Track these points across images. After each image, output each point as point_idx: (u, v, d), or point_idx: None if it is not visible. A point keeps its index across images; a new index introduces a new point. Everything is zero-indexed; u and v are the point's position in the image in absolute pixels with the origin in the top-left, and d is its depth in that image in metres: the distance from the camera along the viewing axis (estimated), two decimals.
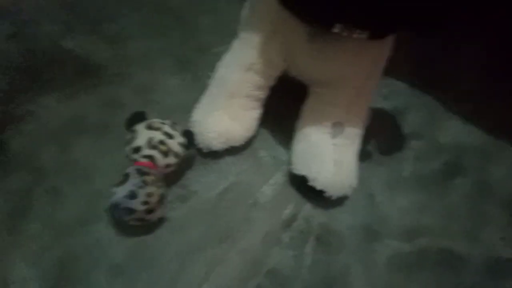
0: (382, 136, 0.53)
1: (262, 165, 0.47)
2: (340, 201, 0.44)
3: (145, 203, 0.37)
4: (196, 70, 0.54)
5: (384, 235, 0.43)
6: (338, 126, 0.43)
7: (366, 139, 0.51)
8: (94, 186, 0.43)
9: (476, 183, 0.49)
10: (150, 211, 0.37)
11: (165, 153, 0.39)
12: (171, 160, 0.39)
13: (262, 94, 0.45)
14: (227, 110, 0.44)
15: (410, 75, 0.61)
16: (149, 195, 0.37)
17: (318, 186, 0.41)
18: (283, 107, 0.49)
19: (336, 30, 0.36)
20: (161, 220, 0.41)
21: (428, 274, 0.42)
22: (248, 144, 0.48)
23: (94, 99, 0.50)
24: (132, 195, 0.36)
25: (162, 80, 0.53)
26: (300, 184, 0.44)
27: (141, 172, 0.38)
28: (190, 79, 0.53)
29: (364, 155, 0.50)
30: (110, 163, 0.44)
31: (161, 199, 0.38)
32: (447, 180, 0.49)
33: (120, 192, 0.37)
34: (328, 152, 0.42)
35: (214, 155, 0.46)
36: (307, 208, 0.44)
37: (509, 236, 0.45)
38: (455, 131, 0.55)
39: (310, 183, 0.42)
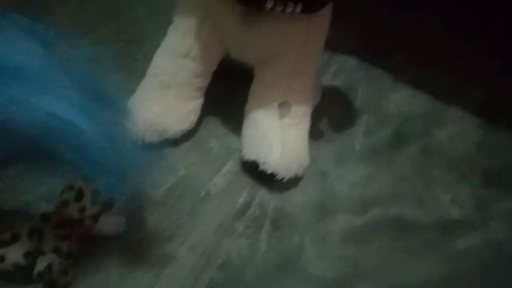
0: (333, 114, 0.53)
1: (213, 155, 0.46)
2: (294, 182, 0.44)
3: None
4: (134, 64, 0.51)
5: (337, 211, 0.43)
6: (284, 106, 0.42)
7: (318, 117, 0.51)
8: None
9: (422, 148, 0.51)
10: None
11: None
12: None
13: (202, 82, 0.43)
14: (161, 101, 0.42)
15: (357, 49, 0.62)
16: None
17: (269, 169, 0.41)
18: (232, 94, 0.48)
19: (269, 6, 0.35)
20: None
21: (381, 243, 0.42)
22: (197, 135, 0.47)
23: None
24: None
25: (98, 77, 0.50)
26: (253, 170, 0.43)
27: None
28: (128, 73, 0.50)
29: (316, 134, 0.50)
30: None
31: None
32: (395, 149, 0.50)
33: None
34: (275, 134, 0.41)
35: (160, 150, 0.44)
36: (262, 193, 0.44)
37: (457, 195, 0.47)
38: (401, 100, 0.56)
39: (261, 168, 0.41)
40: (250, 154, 0.42)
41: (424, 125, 0.54)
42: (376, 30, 0.65)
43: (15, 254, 0.33)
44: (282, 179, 0.41)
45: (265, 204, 0.43)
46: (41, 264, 0.33)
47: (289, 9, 0.35)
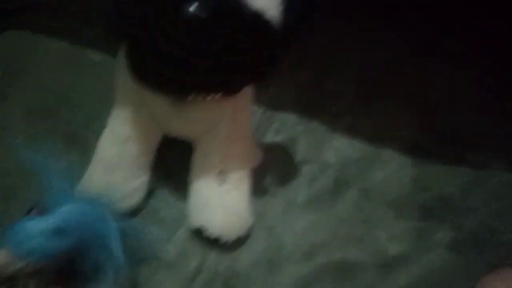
0: (276, 169, 0.57)
1: (164, 224, 0.49)
2: (242, 240, 0.47)
3: None
4: (87, 146, 0.54)
5: (285, 262, 0.46)
6: (221, 174, 0.46)
7: (262, 175, 0.55)
8: None
9: (361, 191, 0.55)
10: None
11: None
12: None
13: (145, 160, 0.48)
14: (108, 183, 0.45)
15: (296, 105, 0.67)
16: None
17: (213, 235, 0.44)
18: (179, 164, 0.51)
19: (190, 98, 0.40)
20: None
21: None
22: (147, 207, 0.50)
23: None
24: None
25: (51, 162, 0.53)
26: (202, 235, 0.46)
27: None
28: (81, 156, 0.54)
29: (260, 191, 0.54)
30: None
31: None
32: (336, 194, 0.55)
33: None
34: (216, 200, 0.45)
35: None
36: (212, 256, 0.46)
37: (395, 232, 0.51)
38: (339, 148, 0.61)
39: (205, 234, 0.44)
40: (195, 221, 0.45)
41: (362, 168, 0.59)
42: (314, 83, 0.71)
43: None
44: (226, 241, 0.44)
45: (216, 266, 0.45)
46: None
47: (209, 98, 0.40)
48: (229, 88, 0.41)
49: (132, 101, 0.45)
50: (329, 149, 0.61)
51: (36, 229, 0.37)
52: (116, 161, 0.45)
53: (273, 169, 0.56)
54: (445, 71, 0.74)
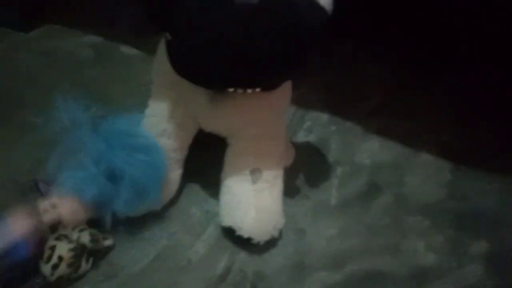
0: (309, 170, 0.56)
1: (193, 222, 0.48)
2: (272, 243, 0.46)
3: None
4: None
5: (314, 269, 0.45)
6: (256, 172, 0.45)
7: (294, 175, 0.54)
8: None
9: (395, 196, 0.53)
10: None
11: None
12: None
13: (179, 155, 0.47)
14: None
15: (328, 105, 0.66)
16: None
17: (244, 234, 0.43)
18: (210, 162, 0.50)
19: (230, 90, 0.39)
20: None
21: None
22: (178, 203, 0.49)
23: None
24: None
25: None
26: (232, 234, 0.45)
27: None
28: None
29: (292, 191, 0.52)
30: None
31: None
32: (368, 200, 0.53)
33: None
34: (249, 199, 0.44)
35: (143, 222, 0.47)
36: (242, 257, 0.45)
37: (430, 241, 0.49)
38: (372, 150, 0.60)
39: (237, 233, 0.43)
40: (226, 220, 0.44)
41: (396, 173, 0.57)
42: (344, 84, 0.69)
43: None
44: (257, 242, 0.43)
45: (245, 268, 0.44)
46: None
47: (249, 91, 0.39)
48: (269, 82, 0.39)
49: (170, 95, 0.44)
50: (362, 151, 0.59)
51: (91, 176, 0.40)
52: None
53: (304, 170, 0.55)
54: (486, 76, 0.71)
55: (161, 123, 0.44)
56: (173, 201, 0.49)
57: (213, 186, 0.50)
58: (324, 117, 0.64)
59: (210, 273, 0.44)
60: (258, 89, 0.39)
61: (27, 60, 0.69)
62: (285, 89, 0.45)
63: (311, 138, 0.61)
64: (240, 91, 0.39)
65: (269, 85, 0.40)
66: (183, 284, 0.43)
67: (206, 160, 0.51)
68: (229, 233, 0.46)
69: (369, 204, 0.52)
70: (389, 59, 0.73)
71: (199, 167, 0.51)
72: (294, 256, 0.46)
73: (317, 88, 0.67)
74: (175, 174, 0.48)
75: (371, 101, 0.67)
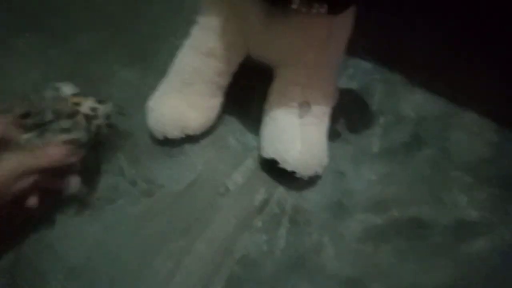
0: (350, 115, 0.53)
1: (231, 152, 0.47)
2: (311, 181, 0.44)
3: None
4: (153, 61, 0.52)
5: (355, 210, 0.44)
6: (304, 105, 0.43)
7: (335, 118, 0.51)
8: None
9: (438, 150, 0.51)
10: None
11: None
12: None
13: (224, 80, 0.44)
14: (184, 97, 0.42)
15: (372, 52, 0.62)
16: None
17: (288, 167, 0.41)
18: (249, 93, 0.48)
19: (294, 6, 0.35)
20: None
21: (398, 243, 0.43)
22: (216, 132, 0.47)
23: None
24: None
25: (114, 72, 0.50)
26: (271, 168, 0.43)
27: None
28: (145, 69, 0.51)
29: (333, 134, 0.50)
30: None
31: None
32: (412, 151, 0.51)
33: None
34: (295, 132, 0.42)
35: (180, 146, 0.45)
36: (280, 191, 0.44)
37: (472, 197, 0.47)
38: (417, 102, 0.57)
39: (280, 165, 0.41)
40: (269, 151, 0.42)
41: (441, 127, 0.54)
42: (389, 34, 0.65)
43: None
44: (300, 177, 0.42)
45: (283, 202, 0.43)
46: None
47: (313, 10, 0.35)
48: (335, 1, 0.36)
49: (221, 12, 0.40)
50: (406, 102, 0.56)
51: None
52: (195, 76, 0.42)
53: (345, 115, 0.53)
54: None
55: (210, 42, 0.41)
56: (210, 129, 0.47)
57: (250, 118, 0.48)
58: (368, 65, 0.61)
59: (248, 202, 0.43)
60: (323, 10, 0.36)
61: None
62: (348, 19, 0.41)
63: (353, 85, 0.58)
64: (304, 8, 0.35)
65: (334, 6, 0.36)
66: (222, 208, 0.42)
67: (244, 91, 0.48)
68: (268, 166, 0.44)
69: (412, 155, 0.50)
70: (439, 13, 0.68)
71: (238, 98, 0.48)
72: (333, 195, 0.45)
73: (361, 34, 0.63)
74: (216, 101, 0.45)
75: (419, 53, 0.63)
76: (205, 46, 0.41)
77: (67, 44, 0.52)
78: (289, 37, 0.39)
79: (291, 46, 0.40)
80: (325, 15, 0.37)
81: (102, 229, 0.39)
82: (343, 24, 0.41)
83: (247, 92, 0.49)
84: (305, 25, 0.39)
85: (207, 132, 0.47)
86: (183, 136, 0.44)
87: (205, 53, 0.41)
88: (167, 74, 0.44)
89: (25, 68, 0.49)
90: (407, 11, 0.69)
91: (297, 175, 0.41)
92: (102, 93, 0.47)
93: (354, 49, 0.62)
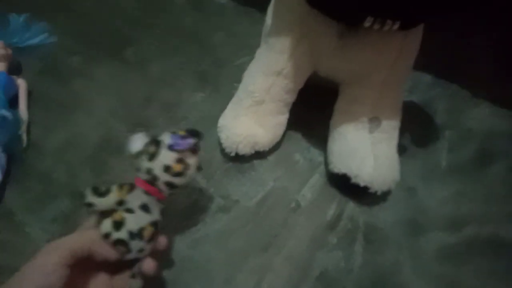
0: (414, 129, 0.52)
1: (298, 169, 0.47)
2: (382, 197, 0.44)
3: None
4: (217, 84, 0.54)
5: (429, 228, 0.42)
6: (375, 120, 0.43)
7: (399, 133, 0.51)
8: None
9: (509, 165, 0.49)
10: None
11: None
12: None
13: (291, 98, 0.45)
14: (254, 116, 0.44)
15: (431, 67, 0.61)
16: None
17: (361, 182, 0.41)
18: (310, 110, 0.49)
19: (367, 24, 0.36)
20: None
21: (479, 262, 0.41)
22: (281, 149, 0.48)
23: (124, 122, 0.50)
24: None
25: (185, 96, 0.53)
26: (341, 184, 0.43)
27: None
28: (212, 92, 0.53)
29: (399, 149, 0.49)
30: None
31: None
32: (482, 166, 0.49)
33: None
34: (367, 147, 0.42)
35: (249, 162, 0.46)
36: (350, 207, 0.44)
37: None
38: (483, 117, 0.55)
39: (353, 181, 0.41)
40: (340, 167, 0.42)
41: (509, 141, 0.52)
42: (448, 50, 0.64)
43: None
44: (371, 193, 0.41)
45: (356, 218, 0.43)
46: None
47: (386, 27, 0.36)
48: (408, 18, 0.36)
49: (293, 34, 0.42)
50: (471, 116, 0.55)
51: None
52: (265, 94, 0.43)
53: (410, 129, 0.52)
54: None
55: (281, 61, 0.43)
56: (277, 146, 0.48)
57: (314, 135, 0.48)
58: (427, 78, 0.60)
59: (321, 218, 0.43)
60: (396, 26, 0.36)
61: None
62: (418, 35, 0.41)
63: (414, 99, 0.57)
64: (376, 26, 0.36)
65: (409, 20, 0.37)
66: (295, 224, 0.42)
67: (307, 108, 0.49)
68: (336, 182, 0.44)
69: (481, 170, 0.49)
70: (498, 26, 0.67)
71: (301, 115, 0.49)
72: (406, 213, 0.44)
73: (420, 50, 0.63)
74: (283, 118, 0.46)
75: (479, 67, 0.62)
76: (275, 67, 0.43)
77: (141, 72, 0.56)
78: (363, 56, 0.40)
79: (365, 65, 0.41)
80: (398, 32, 0.38)
81: (188, 245, 0.40)
82: (414, 40, 0.41)
83: (308, 109, 0.50)
84: (379, 43, 0.39)
85: (274, 148, 0.48)
86: (253, 152, 0.45)
87: (274, 73, 0.43)
88: (235, 94, 0.46)
89: (104, 94, 0.52)
90: (465, 27, 0.68)
91: (370, 191, 0.41)
92: (178, 115, 0.50)
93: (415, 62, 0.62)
